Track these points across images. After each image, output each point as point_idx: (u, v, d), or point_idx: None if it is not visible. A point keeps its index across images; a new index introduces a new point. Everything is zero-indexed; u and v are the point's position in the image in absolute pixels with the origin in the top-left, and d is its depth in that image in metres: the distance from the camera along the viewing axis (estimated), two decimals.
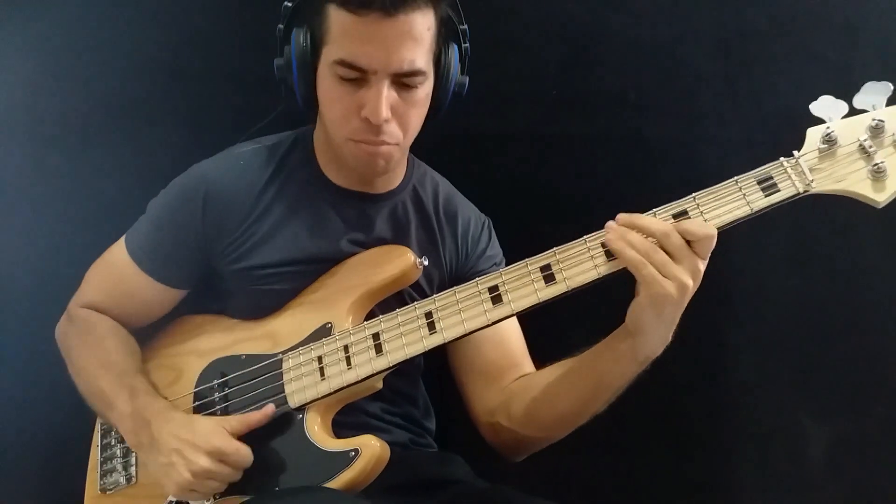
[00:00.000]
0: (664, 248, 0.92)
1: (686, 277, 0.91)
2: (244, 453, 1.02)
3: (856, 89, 0.94)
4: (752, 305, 1.51)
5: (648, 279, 0.91)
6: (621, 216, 0.96)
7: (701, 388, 1.47)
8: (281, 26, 1.09)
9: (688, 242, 0.92)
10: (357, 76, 1.03)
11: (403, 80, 1.04)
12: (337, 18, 1.02)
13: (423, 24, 1.03)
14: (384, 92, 1.03)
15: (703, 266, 0.92)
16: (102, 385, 1.12)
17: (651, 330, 0.95)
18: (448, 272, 1.24)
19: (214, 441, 1.01)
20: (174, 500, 1.07)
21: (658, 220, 0.94)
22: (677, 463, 1.50)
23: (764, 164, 0.95)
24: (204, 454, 1.00)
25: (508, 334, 1.20)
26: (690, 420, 1.50)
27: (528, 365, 1.20)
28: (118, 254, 1.20)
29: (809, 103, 0.95)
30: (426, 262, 1.15)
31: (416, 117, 1.10)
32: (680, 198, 0.97)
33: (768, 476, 1.49)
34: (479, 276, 1.20)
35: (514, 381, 1.17)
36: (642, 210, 0.97)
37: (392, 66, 1.02)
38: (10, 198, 1.45)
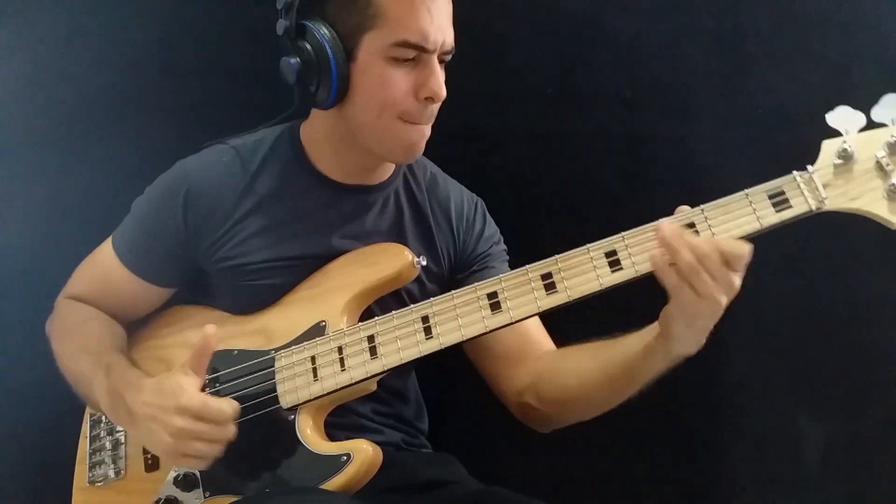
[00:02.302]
0: (704, 267, 0.88)
1: (721, 296, 0.89)
2: (214, 406, 0.96)
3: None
4: (749, 305, 1.47)
5: (685, 298, 0.89)
6: (668, 227, 0.90)
7: (698, 389, 1.47)
8: (286, 22, 1.04)
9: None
10: (414, 55, 1.03)
11: (444, 58, 1.07)
12: (392, 1, 1.01)
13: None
14: (439, 69, 1.05)
15: (737, 280, 0.89)
16: (83, 368, 1.10)
17: (682, 337, 0.93)
18: (446, 260, 1.22)
19: (181, 399, 0.96)
20: (163, 497, 1.06)
21: (702, 240, 0.89)
22: (673, 463, 1.51)
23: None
24: (174, 414, 0.96)
25: None
26: (687, 420, 1.50)
27: (547, 341, 1.19)
28: (105, 251, 1.19)
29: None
30: (424, 262, 1.13)
31: None
32: (675, 196, 0.94)
33: (765, 476, 1.50)
34: (479, 259, 1.18)
35: (540, 361, 1.15)
36: (641, 209, 0.94)
37: (447, 44, 1.05)
38: (2, 194, 1.43)
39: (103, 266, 1.19)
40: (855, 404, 1.49)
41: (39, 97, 1.43)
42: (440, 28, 1.03)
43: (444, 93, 1.05)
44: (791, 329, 1.49)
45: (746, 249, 0.88)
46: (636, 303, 0.96)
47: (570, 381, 1.09)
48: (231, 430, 0.98)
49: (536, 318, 1.19)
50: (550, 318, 1.17)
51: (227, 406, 0.98)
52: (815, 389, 1.49)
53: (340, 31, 1.02)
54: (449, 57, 1.08)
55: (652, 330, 0.98)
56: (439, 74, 1.05)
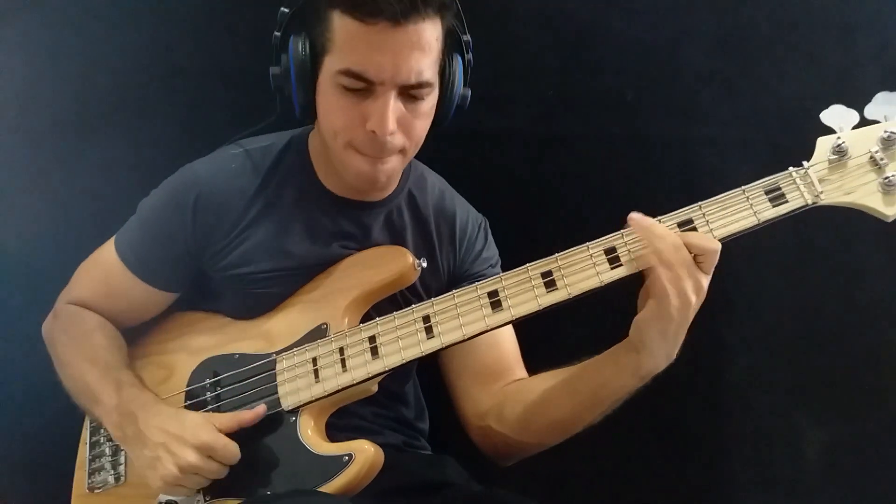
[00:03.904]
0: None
1: (691, 293, 0.89)
2: (232, 449, 1.00)
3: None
4: (749, 306, 1.50)
5: (664, 290, 0.89)
6: (636, 217, 0.92)
7: (698, 390, 1.47)
8: (277, 33, 1.05)
9: (693, 257, 0.90)
10: (362, 87, 0.99)
11: (410, 92, 1.01)
12: (342, 26, 0.98)
13: (432, 33, 0.99)
14: (391, 104, 0.99)
15: (706, 282, 0.90)
16: (88, 379, 1.10)
17: (655, 347, 0.94)
18: (445, 275, 1.22)
19: (202, 435, 0.99)
20: (164, 500, 1.06)
21: (671, 231, 0.91)
22: (673, 465, 1.50)
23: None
24: (191, 448, 0.98)
25: (503, 337, 1.19)
26: (687, 422, 1.50)
27: (520, 370, 1.19)
28: (108, 253, 1.18)
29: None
30: (424, 264, 1.13)
31: (421, 129, 1.07)
32: (676, 198, 0.95)
33: (765, 477, 1.49)
34: (472, 279, 1.18)
35: (508, 385, 1.16)
36: (642, 211, 0.94)
37: (400, 77, 0.98)
38: (3, 194, 1.43)
39: (106, 269, 1.18)
40: (856, 405, 1.48)
41: (39, 97, 1.43)
42: (395, 61, 0.97)
43: (388, 129, 0.99)
44: (792, 331, 1.49)
45: (717, 245, 0.89)
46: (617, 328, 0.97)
47: (531, 399, 1.09)
48: (226, 473, 1.01)
49: (515, 344, 1.20)
50: (531, 343, 1.20)
51: (237, 449, 1.01)
52: (815, 390, 1.48)
53: (315, 50, 1.02)
54: (423, 91, 1.01)
55: (621, 345, 0.98)
56: (388, 109, 0.99)
